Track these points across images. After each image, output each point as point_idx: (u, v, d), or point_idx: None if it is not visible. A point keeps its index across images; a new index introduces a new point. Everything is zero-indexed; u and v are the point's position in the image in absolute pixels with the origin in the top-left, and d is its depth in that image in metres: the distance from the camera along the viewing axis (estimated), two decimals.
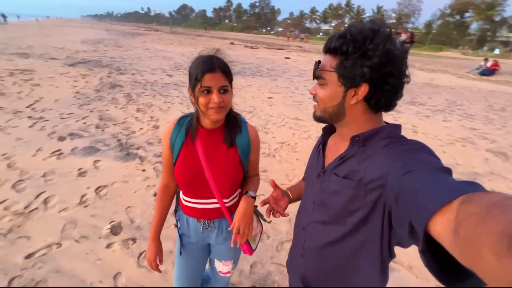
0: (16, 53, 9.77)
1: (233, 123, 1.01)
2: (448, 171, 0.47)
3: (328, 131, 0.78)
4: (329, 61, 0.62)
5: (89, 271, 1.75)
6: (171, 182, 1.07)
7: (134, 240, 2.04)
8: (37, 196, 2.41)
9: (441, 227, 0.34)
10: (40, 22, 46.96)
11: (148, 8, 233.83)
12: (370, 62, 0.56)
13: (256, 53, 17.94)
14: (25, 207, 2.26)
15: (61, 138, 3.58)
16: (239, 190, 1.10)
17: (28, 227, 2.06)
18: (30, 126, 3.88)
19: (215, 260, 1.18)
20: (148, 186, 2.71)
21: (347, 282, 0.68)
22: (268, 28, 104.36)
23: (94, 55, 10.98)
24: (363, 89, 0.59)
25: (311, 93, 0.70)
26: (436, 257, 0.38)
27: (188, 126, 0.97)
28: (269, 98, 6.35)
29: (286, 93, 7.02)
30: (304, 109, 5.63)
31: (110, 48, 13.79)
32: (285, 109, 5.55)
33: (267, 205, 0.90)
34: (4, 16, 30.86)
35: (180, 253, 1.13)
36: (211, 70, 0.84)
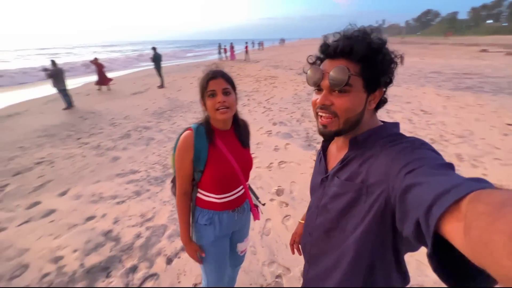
0: (273, 65, 14.32)
1: (244, 128, 1.18)
2: (451, 166, 0.45)
3: (328, 137, 0.77)
4: (351, 67, 0.59)
5: None
6: (189, 189, 1.13)
7: (287, 204, 2.65)
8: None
9: (450, 226, 0.33)
10: (294, 43, 63.57)
11: (383, 21, 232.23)
12: (386, 67, 0.59)
13: None
14: None
15: (274, 123, 5.07)
16: None
17: None
18: (262, 112, 5.83)
19: (238, 244, 1.34)
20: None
21: None
22: None
23: None
24: (379, 93, 0.62)
25: (325, 103, 0.61)
26: (444, 260, 0.36)
27: (205, 133, 1.05)
28: (508, 125, 4.42)
29: None
30: None
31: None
32: None
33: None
34: (283, 40, 49.82)
35: (212, 252, 1.19)
36: (213, 77, 1.01)
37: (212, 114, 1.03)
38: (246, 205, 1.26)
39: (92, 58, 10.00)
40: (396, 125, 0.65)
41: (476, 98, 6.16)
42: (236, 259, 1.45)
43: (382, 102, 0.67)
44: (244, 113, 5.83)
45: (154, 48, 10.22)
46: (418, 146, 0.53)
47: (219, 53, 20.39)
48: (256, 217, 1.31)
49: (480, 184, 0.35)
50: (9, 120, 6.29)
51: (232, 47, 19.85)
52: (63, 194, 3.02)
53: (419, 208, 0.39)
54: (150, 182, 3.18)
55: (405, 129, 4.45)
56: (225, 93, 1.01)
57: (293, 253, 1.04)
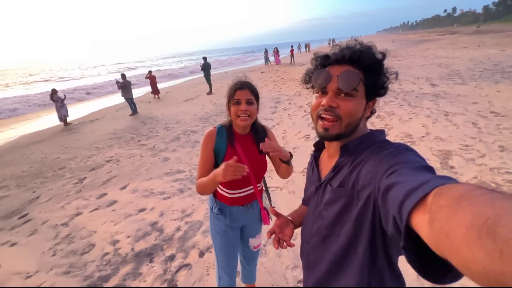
0: None
1: (262, 133, 1.28)
2: (430, 169, 0.47)
3: (319, 147, 0.79)
4: (357, 73, 0.62)
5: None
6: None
7: None
8: None
9: (418, 219, 0.36)
10: (345, 42, 60.46)
11: (453, 8, 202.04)
12: (385, 79, 0.64)
13: None
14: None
15: (313, 128, 4.98)
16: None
17: (272, 173, 3.45)
18: (302, 116, 5.79)
19: (250, 239, 1.45)
20: None
21: None
22: None
23: None
24: (373, 103, 0.66)
25: (331, 105, 0.63)
26: (419, 253, 0.38)
27: (227, 134, 1.22)
28: None
29: None
30: None
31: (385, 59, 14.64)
32: None
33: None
34: (333, 40, 44.07)
35: (221, 238, 1.35)
36: (240, 87, 1.15)
37: (234, 120, 1.19)
38: (256, 204, 1.38)
39: (147, 72, 11.33)
40: (382, 132, 0.68)
41: None
42: (250, 254, 1.57)
43: (372, 112, 0.71)
44: (284, 117, 5.89)
45: (204, 58, 11.11)
46: (402, 150, 0.56)
47: (265, 57, 20.78)
48: (265, 221, 1.39)
49: (446, 180, 0.37)
50: (91, 125, 7.67)
51: (277, 52, 20.07)
52: (123, 188, 3.57)
53: (394, 206, 0.42)
54: (192, 182, 3.51)
55: (466, 134, 3.87)
56: (249, 103, 1.15)
57: (269, 237, 0.87)
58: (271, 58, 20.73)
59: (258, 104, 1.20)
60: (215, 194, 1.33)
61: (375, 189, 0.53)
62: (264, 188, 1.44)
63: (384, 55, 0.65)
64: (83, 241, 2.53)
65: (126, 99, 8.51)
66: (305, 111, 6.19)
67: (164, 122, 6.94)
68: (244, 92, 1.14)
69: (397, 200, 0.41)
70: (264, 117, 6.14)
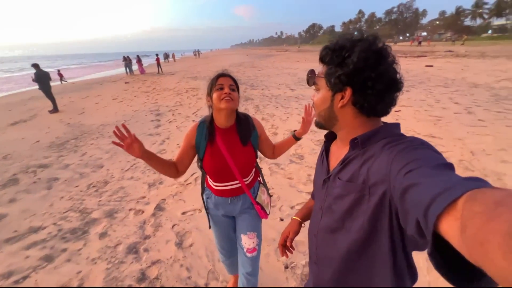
0: (190, 77, 13.85)
1: (245, 123, 1.25)
2: (450, 166, 0.46)
3: (330, 137, 0.80)
4: (321, 69, 0.69)
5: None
6: (177, 163, 1.23)
7: None
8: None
9: (448, 226, 0.34)
10: (206, 54, 64.04)
11: (281, 32, 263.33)
12: (346, 69, 0.60)
13: None
14: (184, 181, 3.25)
15: None
16: (254, 169, 1.35)
17: (185, 195, 2.97)
18: None
19: (241, 236, 1.33)
20: None
21: None
22: (408, 35, 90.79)
23: (236, 75, 13.60)
24: (348, 93, 0.62)
25: (311, 100, 0.75)
26: (446, 258, 0.36)
27: (207, 129, 1.18)
28: (395, 111, 5.63)
29: (420, 106, 5.95)
30: (444, 126, 4.57)
31: (248, 69, 16.75)
32: (416, 124, 4.74)
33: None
34: (199, 52, 47.49)
35: (210, 227, 1.44)
36: (223, 75, 1.18)
37: (217, 104, 1.12)
38: (244, 196, 1.32)
39: None
40: (397, 125, 0.65)
41: None
42: (245, 261, 1.34)
43: (366, 107, 0.62)
44: (173, 130, 5.31)
45: (35, 66, 8.04)
46: (418, 145, 0.53)
47: (126, 66, 17.89)
48: (262, 215, 1.34)
49: (477, 183, 0.35)
50: None
51: (139, 60, 18.13)
52: None
53: (418, 209, 0.39)
54: (66, 238, 2.39)
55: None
56: (232, 89, 1.15)
57: (282, 255, 0.99)
58: (134, 67, 18.44)
59: (239, 92, 1.22)
60: (206, 181, 1.35)
61: (390, 187, 0.52)
62: (261, 181, 1.40)
63: (345, 44, 0.61)
64: None
65: None
66: (193, 121, 5.87)
67: None
68: (226, 79, 1.17)
69: (422, 204, 0.38)
70: (147, 132, 5.28)
